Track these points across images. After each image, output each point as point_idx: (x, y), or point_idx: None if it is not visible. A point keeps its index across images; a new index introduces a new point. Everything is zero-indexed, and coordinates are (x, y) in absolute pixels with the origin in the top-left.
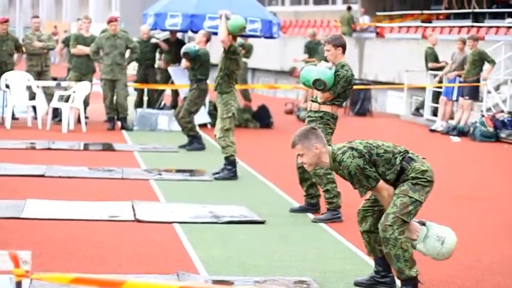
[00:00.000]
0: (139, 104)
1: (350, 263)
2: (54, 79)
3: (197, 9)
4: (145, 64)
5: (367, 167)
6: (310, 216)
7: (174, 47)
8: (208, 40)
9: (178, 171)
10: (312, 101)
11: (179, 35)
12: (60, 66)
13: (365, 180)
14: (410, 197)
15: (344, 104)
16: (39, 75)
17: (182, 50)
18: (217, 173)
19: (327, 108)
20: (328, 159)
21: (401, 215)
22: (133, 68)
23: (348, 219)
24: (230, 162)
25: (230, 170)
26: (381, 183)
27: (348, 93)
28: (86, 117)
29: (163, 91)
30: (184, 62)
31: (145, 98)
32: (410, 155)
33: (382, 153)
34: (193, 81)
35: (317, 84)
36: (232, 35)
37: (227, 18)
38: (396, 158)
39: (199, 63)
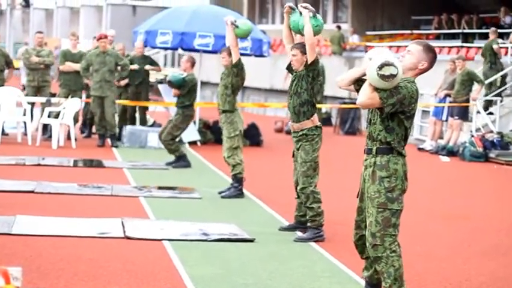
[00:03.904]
0: (131, 120)
1: (338, 281)
2: (53, 95)
3: (187, 27)
4: (138, 81)
5: (408, 102)
6: (300, 234)
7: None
8: (193, 64)
9: (167, 188)
10: (293, 121)
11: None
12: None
13: (392, 96)
14: (390, 209)
15: (334, 123)
16: (37, 90)
17: (167, 79)
18: (224, 192)
19: (308, 124)
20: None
21: (387, 232)
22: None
23: (335, 237)
24: (237, 180)
25: (236, 188)
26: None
27: (316, 92)
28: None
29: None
30: (173, 90)
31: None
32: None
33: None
34: (178, 107)
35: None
36: (240, 38)
37: (236, 26)
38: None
39: (187, 90)
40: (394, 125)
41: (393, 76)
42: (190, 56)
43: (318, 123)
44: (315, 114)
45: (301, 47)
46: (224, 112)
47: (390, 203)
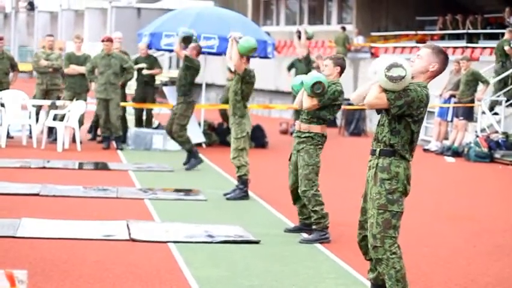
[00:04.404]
0: (138, 123)
1: (343, 283)
2: (59, 98)
3: (192, 29)
4: (144, 82)
5: (416, 105)
6: (305, 236)
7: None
8: (198, 53)
9: (172, 190)
10: (301, 121)
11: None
12: None
13: (401, 98)
14: (390, 211)
15: (339, 124)
16: (46, 93)
17: (182, 35)
18: (229, 193)
19: (316, 129)
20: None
21: (387, 234)
22: (127, 88)
23: (340, 239)
24: (242, 181)
25: (242, 190)
26: (382, 94)
27: (335, 111)
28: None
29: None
30: (177, 45)
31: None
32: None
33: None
34: (179, 95)
35: (316, 87)
36: (243, 56)
37: (237, 42)
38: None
39: (191, 73)
40: (400, 128)
41: (401, 78)
42: (197, 44)
43: (325, 133)
44: (325, 124)
45: (335, 58)
46: (233, 115)
47: (390, 205)
